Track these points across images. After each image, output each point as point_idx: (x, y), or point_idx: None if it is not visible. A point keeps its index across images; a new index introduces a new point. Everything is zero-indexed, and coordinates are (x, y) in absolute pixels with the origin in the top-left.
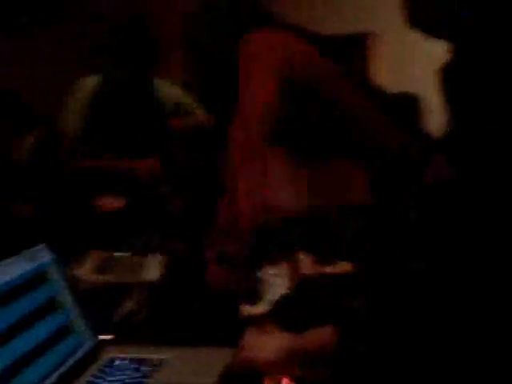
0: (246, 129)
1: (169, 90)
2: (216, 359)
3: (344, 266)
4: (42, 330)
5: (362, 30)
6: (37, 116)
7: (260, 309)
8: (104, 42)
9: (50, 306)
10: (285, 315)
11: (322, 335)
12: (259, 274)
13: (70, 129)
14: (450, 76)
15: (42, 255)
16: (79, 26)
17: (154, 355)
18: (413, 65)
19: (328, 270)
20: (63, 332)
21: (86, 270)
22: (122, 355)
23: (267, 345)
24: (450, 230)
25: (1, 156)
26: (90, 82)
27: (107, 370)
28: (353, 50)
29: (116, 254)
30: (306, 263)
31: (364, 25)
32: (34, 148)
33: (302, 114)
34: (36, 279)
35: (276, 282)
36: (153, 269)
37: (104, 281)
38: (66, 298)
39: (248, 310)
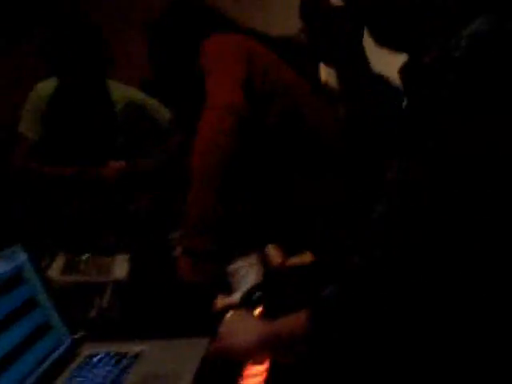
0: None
1: (119, 90)
2: (194, 349)
3: (309, 257)
4: (22, 329)
5: None
6: None
7: (234, 299)
8: (54, 45)
9: (29, 306)
10: (256, 303)
11: (294, 320)
12: (231, 267)
13: (28, 134)
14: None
15: (18, 255)
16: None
17: (131, 348)
18: None
19: (295, 260)
20: (42, 330)
21: (53, 272)
22: (99, 350)
23: (242, 332)
24: (413, 219)
25: None
26: (46, 87)
27: (88, 365)
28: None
29: (82, 255)
30: (275, 254)
31: None
32: None
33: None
34: (13, 279)
35: (248, 273)
36: (120, 268)
37: (73, 281)
38: (43, 297)
39: (222, 301)
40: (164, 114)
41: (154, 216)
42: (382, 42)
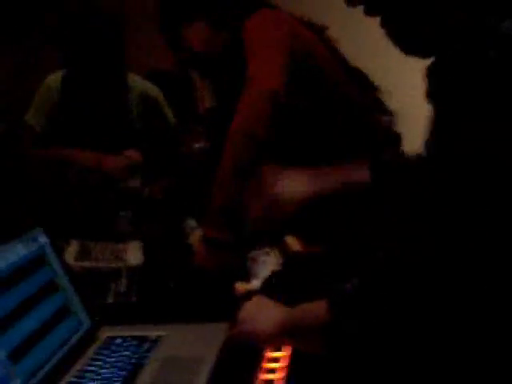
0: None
1: (135, 81)
2: (214, 333)
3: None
4: (44, 311)
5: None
6: None
7: (253, 285)
8: (65, 32)
9: (50, 288)
10: (276, 290)
11: (315, 308)
12: (250, 255)
13: (33, 124)
14: (433, 76)
15: (40, 239)
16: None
17: (151, 332)
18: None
19: (314, 249)
20: (63, 313)
21: (67, 257)
22: (119, 334)
23: (263, 317)
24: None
25: None
26: (56, 79)
27: (108, 349)
28: None
29: (95, 241)
30: (293, 243)
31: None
32: None
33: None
34: (35, 262)
35: (267, 260)
36: (134, 254)
37: (87, 267)
38: (64, 280)
39: (242, 286)
40: (171, 113)
41: (168, 203)
42: (410, 49)
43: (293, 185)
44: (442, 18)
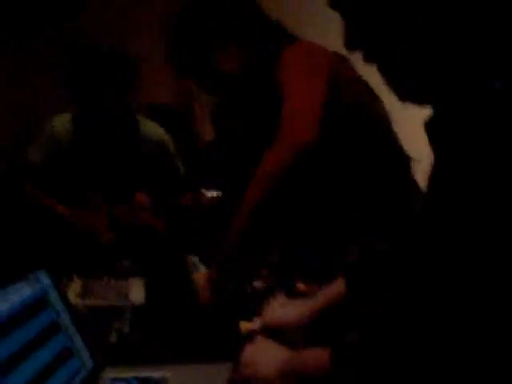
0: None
1: (147, 127)
2: (217, 374)
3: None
4: (47, 353)
5: None
6: None
7: (256, 325)
8: (76, 68)
9: (53, 329)
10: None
11: (317, 357)
12: (251, 289)
13: (37, 160)
14: (433, 128)
15: (43, 280)
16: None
17: (154, 373)
18: None
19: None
20: (66, 354)
21: (70, 295)
22: (122, 375)
23: (264, 362)
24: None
25: None
26: (65, 118)
27: None
28: None
29: (98, 279)
30: (302, 287)
31: None
32: None
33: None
34: (38, 303)
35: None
36: (137, 291)
37: (90, 305)
38: (67, 321)
39: (246, 325)
40: (179, 158)
41: (171, 239)
42: (406, 98)
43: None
44: (438, 69)
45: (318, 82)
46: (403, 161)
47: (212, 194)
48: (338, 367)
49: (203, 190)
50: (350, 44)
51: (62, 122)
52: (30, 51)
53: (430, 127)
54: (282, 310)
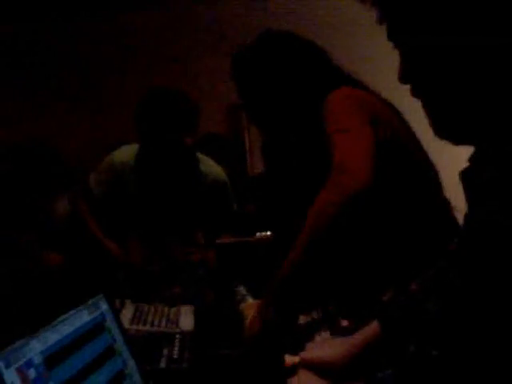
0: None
1: (209, 165)
2: None
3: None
4: (102, 376)
5: None
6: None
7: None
8: (146, 107)
9: (109, 353)
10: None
11: None
12: (298, 324)
13: (95, 189)
14: (469, 179)
15: (101, 305)
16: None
17: None
18: None
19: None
20: (119, 377)
21: (123, 320)
22: None
23: None
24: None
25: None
26: (130, 152)
27: None
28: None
29: (149, 304)
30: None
31: None
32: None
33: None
34: (96, 328)
35: (315, 334)
36: (187, 318)
37: (143, 330)
38: (121, 345)
39: (291, 359)
40: (233, 197)
41: (220, 269)
42: (445, 133)
43: None
44: (480, 113)
45: (364, 119)
46: (441, 200)
47: (264, 234)
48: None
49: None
50: (403, 77)
51: (125, 153)
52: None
53: (466, 176)
54: (321, 348)
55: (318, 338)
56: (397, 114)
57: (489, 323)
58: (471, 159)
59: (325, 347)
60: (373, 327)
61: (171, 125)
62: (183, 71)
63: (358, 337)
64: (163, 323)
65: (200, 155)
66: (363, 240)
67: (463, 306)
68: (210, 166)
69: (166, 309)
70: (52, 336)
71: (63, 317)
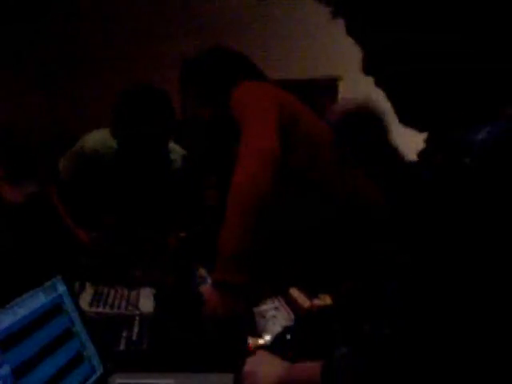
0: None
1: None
2: None
3: (328, 299)
4: (60, 358)
5: (335, 74)
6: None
7: (266, 340)
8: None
9: (67, 335)
10: (288, 346)
11: (310, 369)
12: (257, 309)
13: (65, 172)
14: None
15: (58, 287)
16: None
17: (160, 381)
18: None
19: (316, 302)
20: (78, 359)
21: (82, 303)
22: (130, 381)
23: (262, 374)
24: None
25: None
26: (92, 139)
27: None
28: (325, 93)
29: (109, 287)
30: (300, 297)
31: (336, 69)
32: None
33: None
34: (53, 310)
35: (277, 315)
36: (147, 301)
37: (101, 313)
38: (79, 327)
39: (255, 341)
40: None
41: (180, 251)
42: (408, 122)
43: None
44: (438, 105)
45: (269, 110)
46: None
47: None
48: (327, 380)
49: None
50: (365, 70)
51: (93, 143)
52: None
53: (422, 157)
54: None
55: (271, 313)
56: (301, 103)
57: (441, 300)
58: (426, 141)
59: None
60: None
61: (147, 122)
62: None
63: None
64: (123, 305)
65: (173, 148)
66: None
67: (415, 284)
68: (178, 152)
69: (126, 291)
70: (6, 318)
71: (18, 299)
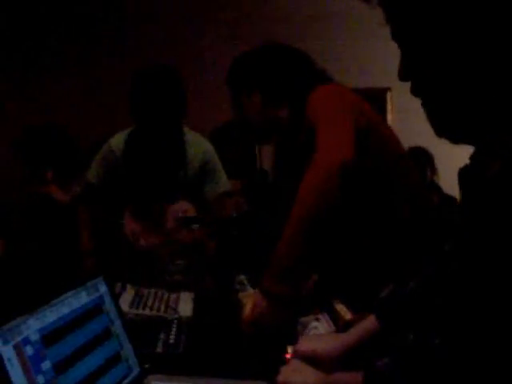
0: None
1: (198, 147)
2: None
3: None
4: (99, 356)
5: (383, 85)
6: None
7: None
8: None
9: (106, 334)
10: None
11: (349, 380)
12: (300, 319)
13: (93, 181)
14: (467, 177)
15: (100, 287)
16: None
17: None
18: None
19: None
20: (116, 358)
21: (123, 304)
22: (165, 383)
23: (300, 381)
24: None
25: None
26: (118, 140)
27: None
28: (374, 103)
29: (150, 289)
30: (343, 311)
31: (385, 80)
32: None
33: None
34: (94, 310)
35: (318, 327)
36: (186, 305)
37: (141, 314)
38: (118, 327)
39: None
40: (224, 183)
41: (220, 257)
42: (442, 134)
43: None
44: (479, 116)
45: (348, 116)
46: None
47: (235, 213)
48: None
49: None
50: (403, 75)
51: (116, 138)
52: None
53: (464, 174)
54: (315, 341)
55: (313, 324)
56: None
57: (491, 314)
58: (472, 157)
59: (318, 340)
60: (368, 321)
61: (158, 103)
62: (190, 57)
63: (353, 331)
64: (162, 308)
65: (188, 132)
66: (357, 234)
67: (466, 296)
68: (195, 138)
69: (166, 294)
70: (50, 315)
71: (62, 297)
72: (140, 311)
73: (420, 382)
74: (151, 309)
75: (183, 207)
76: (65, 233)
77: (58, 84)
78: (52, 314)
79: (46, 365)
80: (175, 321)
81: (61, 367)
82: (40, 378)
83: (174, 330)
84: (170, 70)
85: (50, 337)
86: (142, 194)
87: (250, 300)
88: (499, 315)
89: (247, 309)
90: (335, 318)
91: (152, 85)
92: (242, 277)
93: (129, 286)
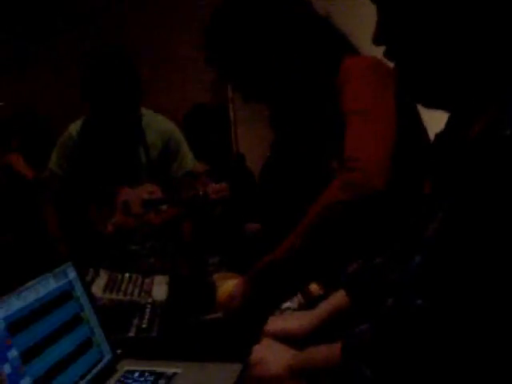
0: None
1: (159, 128)
2: (226, 374)
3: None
4: (69, 343)
5: None
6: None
7: None
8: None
9: (76, 321)
10: None
11: (326, 351)
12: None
13: (56, 170)
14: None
15: (69, 273)
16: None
17: (167, 369)
18: None
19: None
20: (87, 344)
21: (96, 288)
22: (138, 368)
23: (272, 361)
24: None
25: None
26: (77, 126)
27: (128, 381)
28: None
29: (123, 274)
30: (315, 289)
31: None
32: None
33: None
34: (63, 296)
35: (291, 306)
36: (160, 289)
37: (114, 299)
38: (89, 313)
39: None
40: (189, 162)
41: (194, 240)
42: (416, 96)
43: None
44: (452, 81)
45: (389, 100)
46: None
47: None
48: (349, 356)
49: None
50: (378, 37)
51: (73, 126)
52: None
53: (440, 141)
54: (284, 320)
55: (286, 311)
56: None
57: (474, 270)
58: (448, 122)
59: (288, 319)
60: (338, 296)
61: (109, 84)
62: (165, 41)
63: (322, 307)
64: (136, 292)
65: (147, 113)
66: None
67: (448, 256)
68: (152, 117)
69: (140, 278)
70: (15, 303)
71: (28, 284)
72: (113, 296)
73: (403, 343)
74: (125, 293)
75: (148, 189)
76: (27, 210)
77: (40, 76)
78: (18, 302)
79: (13, 353)
80: (149, 305)
81: (28, 355)
82: (6, 367)
83: (148, 314)
84: (119, 51)
85: (16, 325)
86: (104, 177)
87: (225, 282)
88: (481, 271)
89: (222, 291)
90: (308, 297)
91: (102, 66)
92: (216, 258)
93: (102, 272)
